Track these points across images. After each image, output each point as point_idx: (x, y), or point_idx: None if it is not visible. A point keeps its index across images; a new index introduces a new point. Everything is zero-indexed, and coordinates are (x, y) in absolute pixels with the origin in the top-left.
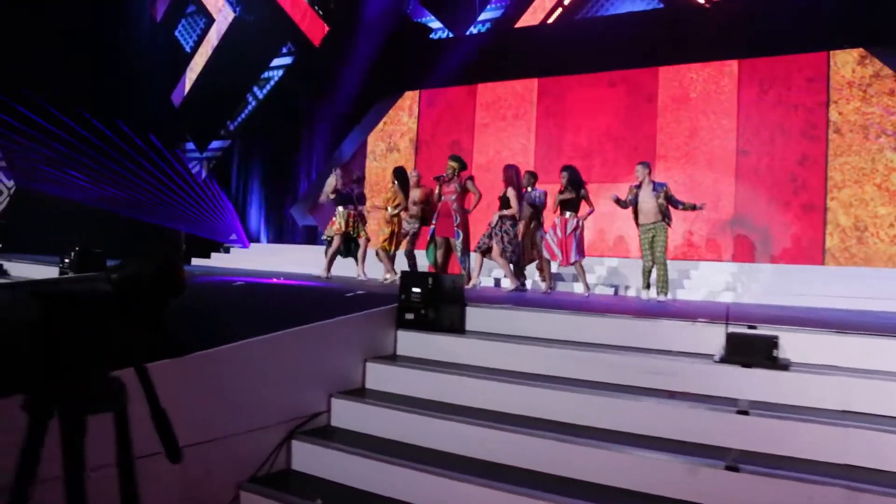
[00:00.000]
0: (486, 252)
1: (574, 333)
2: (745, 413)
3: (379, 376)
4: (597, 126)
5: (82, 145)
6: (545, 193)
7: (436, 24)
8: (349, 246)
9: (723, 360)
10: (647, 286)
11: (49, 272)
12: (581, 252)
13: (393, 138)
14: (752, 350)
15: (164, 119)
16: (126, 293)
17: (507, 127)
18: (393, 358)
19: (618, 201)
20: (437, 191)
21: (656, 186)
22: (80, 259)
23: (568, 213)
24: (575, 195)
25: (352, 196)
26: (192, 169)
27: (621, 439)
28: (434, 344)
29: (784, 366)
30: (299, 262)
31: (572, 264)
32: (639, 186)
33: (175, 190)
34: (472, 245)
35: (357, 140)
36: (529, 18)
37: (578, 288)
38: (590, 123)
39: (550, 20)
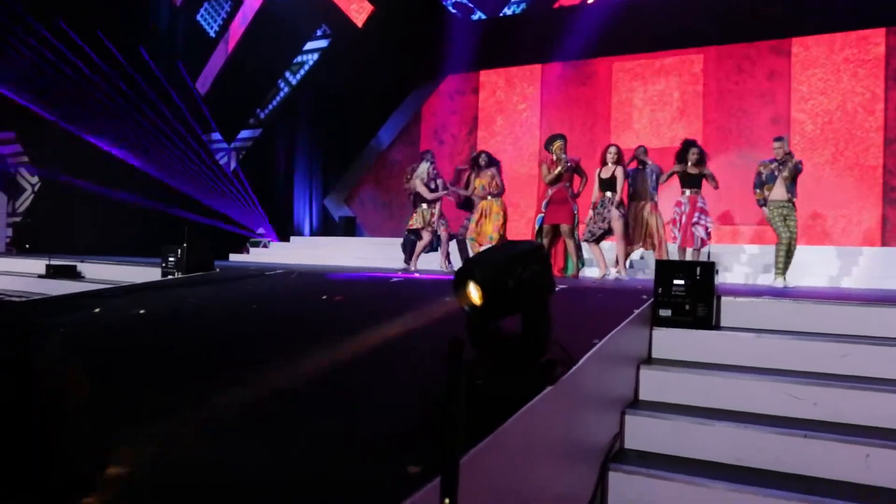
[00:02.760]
0: (598, 240)
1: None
2: None
3: (651, 384)
4: (641, 111)
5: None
6: (660, 168)
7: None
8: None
9: None
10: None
11: (145, 274)
12: (708, 236)
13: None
14: None
15: (189, 108)
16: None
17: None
18: (649, 361)
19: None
20: (553, 174)
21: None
22: (189, 258)
23: (690, 192)
24: (698, 172)
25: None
26: (220, 160)
27: None
28: (696, 343)
29: None
30: (344, 254)
31: (697, 249)
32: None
33: (201, 182)
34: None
35: (395, 127)
36: None
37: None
38: (635, 108)
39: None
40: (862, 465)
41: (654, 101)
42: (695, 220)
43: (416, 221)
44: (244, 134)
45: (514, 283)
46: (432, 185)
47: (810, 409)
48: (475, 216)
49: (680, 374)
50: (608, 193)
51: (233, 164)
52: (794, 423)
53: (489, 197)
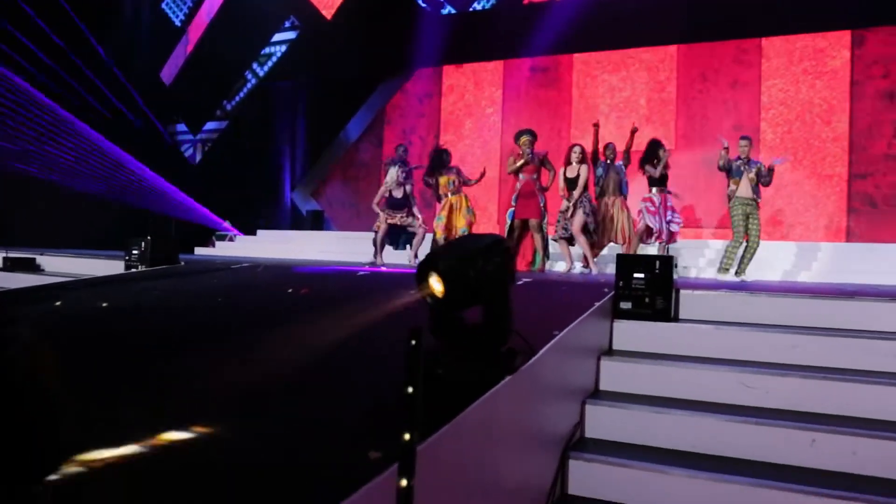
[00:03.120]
0: (569, 239)
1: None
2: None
3: (611, 375)
4: (615, 106)
5: (61, 125)
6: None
7: None
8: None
9: None
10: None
11: (108, 267)
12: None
13: None
14: None
15: (153, 98)
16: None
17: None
18: (610, 352)
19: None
20: (516, 165)
21: (752, 163)
22: (154, 252)
23: (657, 189)
24: (665, 172)
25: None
26: (185, 152)
27: None
28: (656, 334)
29: None
30: (311, 248)
31: (667, 244)
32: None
33: (165, 173)
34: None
35: (363, 120)
36: None
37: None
38: (606, 104)
39: None
40: (808, 450)
41: (620, 106)
42: (668, 217)
43: (378, 224)
44: (210, 125)
45: (475, 274)
46: (399, 194)
47: (762, 397)
48: (443, 212)
49: (639, 365)
50: (574, 193)
51: (198, 156)
52: (746, 410)
53: (452, 194)
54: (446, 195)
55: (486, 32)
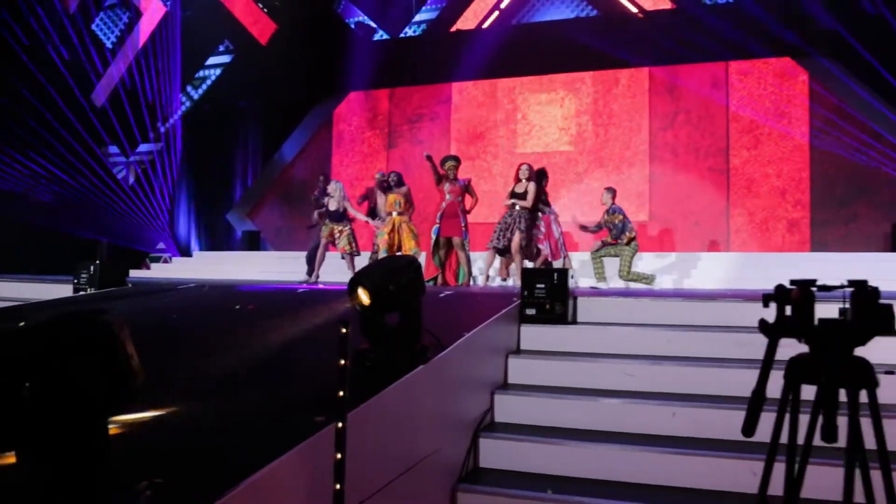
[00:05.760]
0: (502, 250)
1: (684, 317)
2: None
3: (518, 370)
4: (537, 133)
5: None
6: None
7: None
8: None
9: None
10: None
11: (57, 290)
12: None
13: None
14: None
15: (83, 120)
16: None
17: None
18: (518, 352)
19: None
20: (445, 189)
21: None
22: (102, 275)
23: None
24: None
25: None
26: (118, 174)
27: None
28: (556, 335)
29: None
30: (249, 268)
31: (564, 258)
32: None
33: (96, 197)
34: (472, 246)
35: (298, 142)
36: (465, 22)
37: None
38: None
39: (486, 25)
40: (670, 420)
41: (546, 122)
42: (556, 236)
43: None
44: (143, 147)
45: (394, 287)
46: (342, 207)
47: (639, 382)
48: (385, 229)
49: (541, 361)
50: (518, 206)
51: (131, 179)
52: (626, 394)
53: (397, 214)
54: (390, 214)
55: (416, 58)
